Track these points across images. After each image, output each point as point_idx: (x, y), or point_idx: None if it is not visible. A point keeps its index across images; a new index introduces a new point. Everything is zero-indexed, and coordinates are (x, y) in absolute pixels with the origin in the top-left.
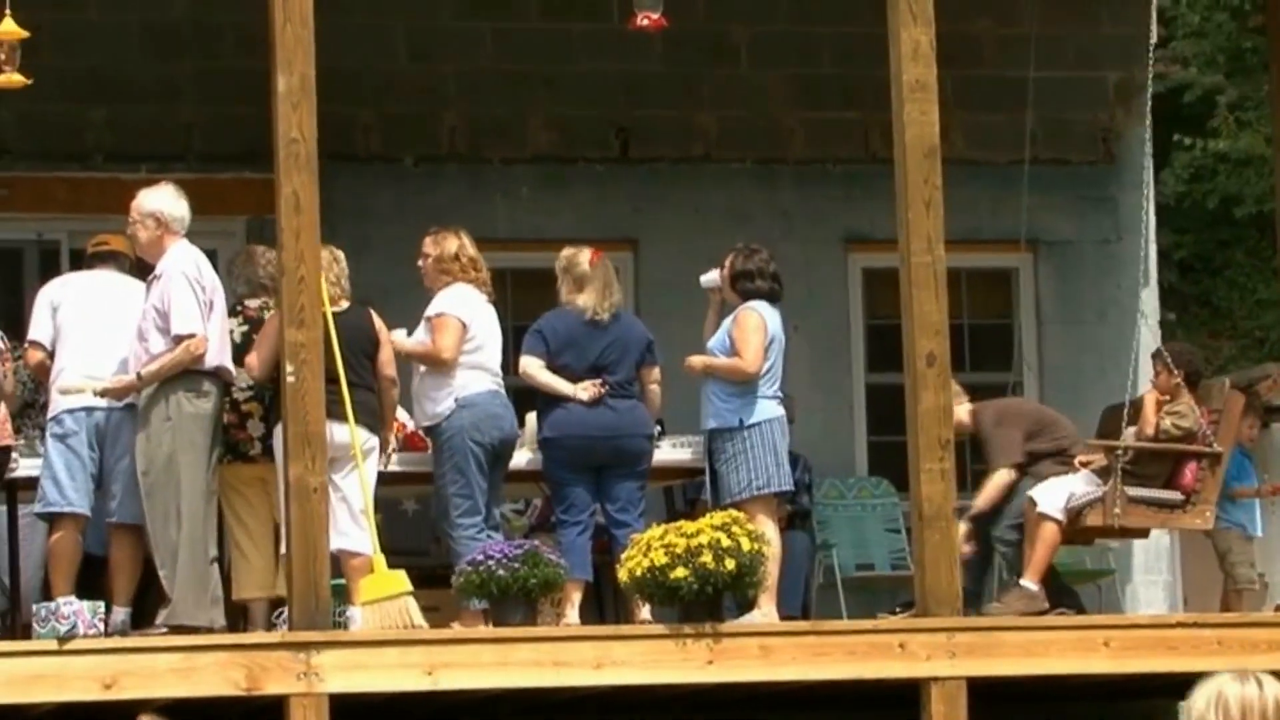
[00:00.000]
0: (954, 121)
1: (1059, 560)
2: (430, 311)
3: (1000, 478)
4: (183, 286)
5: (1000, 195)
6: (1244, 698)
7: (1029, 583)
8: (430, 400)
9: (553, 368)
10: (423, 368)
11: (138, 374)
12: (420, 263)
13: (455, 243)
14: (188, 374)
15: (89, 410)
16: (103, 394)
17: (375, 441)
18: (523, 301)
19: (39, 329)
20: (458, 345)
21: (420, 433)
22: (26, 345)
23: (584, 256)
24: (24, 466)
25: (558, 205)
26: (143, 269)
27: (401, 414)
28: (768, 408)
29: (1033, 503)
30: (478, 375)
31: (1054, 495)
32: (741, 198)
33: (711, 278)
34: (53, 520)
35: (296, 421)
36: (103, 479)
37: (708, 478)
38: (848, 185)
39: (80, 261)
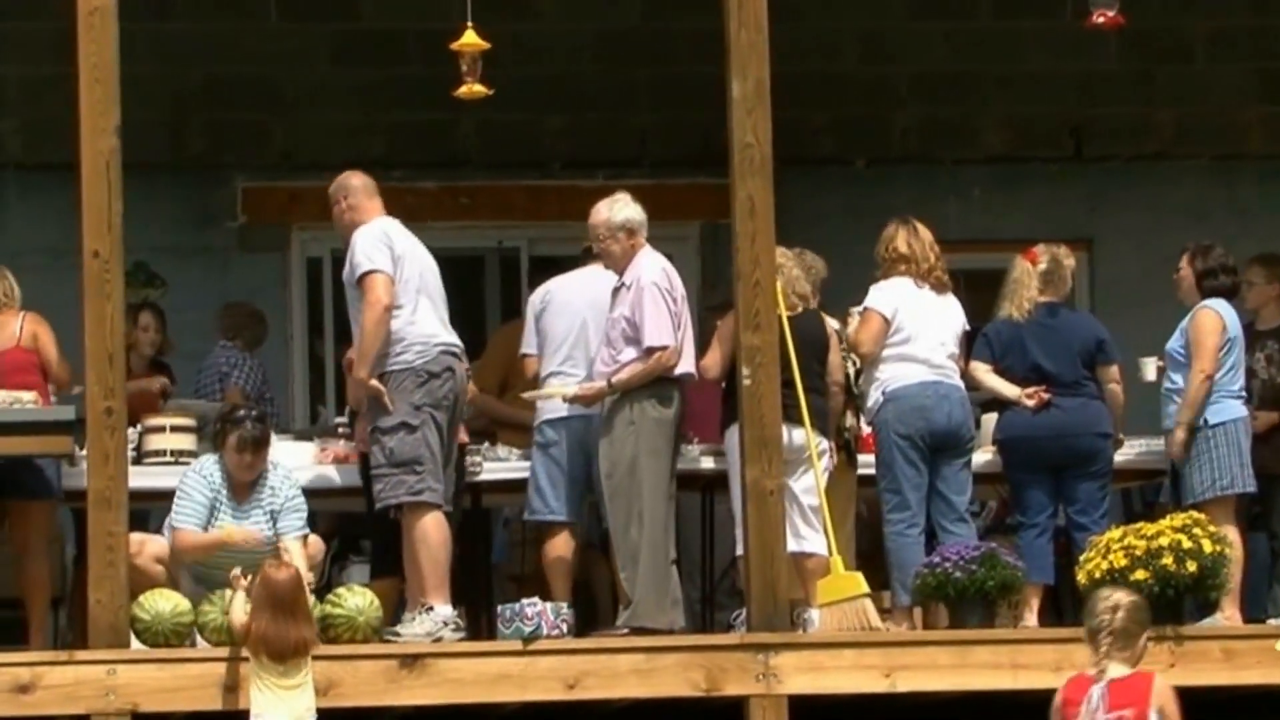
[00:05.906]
0: None
1: None
2: (859, 306)
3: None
4: (655, 298)
5: None
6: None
7: None
8: (862, 396)
9: (999, 371)
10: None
11: (609, 381)
12: None
13: (889, 233)
14: (653, 380)
15: (567, 419)
16: (572, 400)
17: (827, 445)
18: (976, 303)
19: (527, 342)
20: (874, 340)
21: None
22: (522, 356)
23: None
24: (487, 470)
25: (1011, 206)
26: None
27: None
28: (1232, 407)
29: None
30: (907, 367)
31: None
32: (1199, 195)
33: (1150, 372)
34: (545, 528)
35: (753, 425)
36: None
37: (1168, 478)
38: None
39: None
